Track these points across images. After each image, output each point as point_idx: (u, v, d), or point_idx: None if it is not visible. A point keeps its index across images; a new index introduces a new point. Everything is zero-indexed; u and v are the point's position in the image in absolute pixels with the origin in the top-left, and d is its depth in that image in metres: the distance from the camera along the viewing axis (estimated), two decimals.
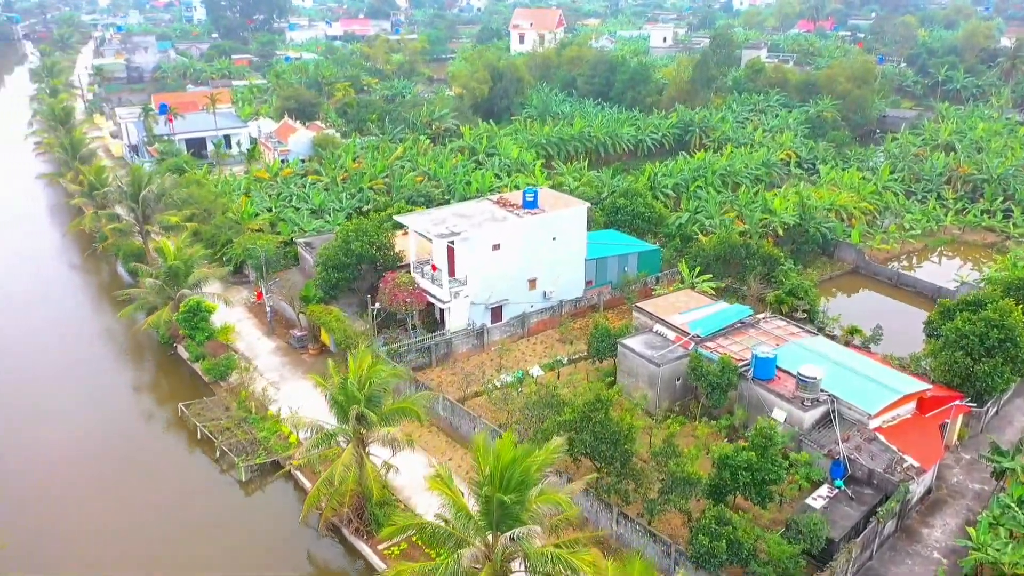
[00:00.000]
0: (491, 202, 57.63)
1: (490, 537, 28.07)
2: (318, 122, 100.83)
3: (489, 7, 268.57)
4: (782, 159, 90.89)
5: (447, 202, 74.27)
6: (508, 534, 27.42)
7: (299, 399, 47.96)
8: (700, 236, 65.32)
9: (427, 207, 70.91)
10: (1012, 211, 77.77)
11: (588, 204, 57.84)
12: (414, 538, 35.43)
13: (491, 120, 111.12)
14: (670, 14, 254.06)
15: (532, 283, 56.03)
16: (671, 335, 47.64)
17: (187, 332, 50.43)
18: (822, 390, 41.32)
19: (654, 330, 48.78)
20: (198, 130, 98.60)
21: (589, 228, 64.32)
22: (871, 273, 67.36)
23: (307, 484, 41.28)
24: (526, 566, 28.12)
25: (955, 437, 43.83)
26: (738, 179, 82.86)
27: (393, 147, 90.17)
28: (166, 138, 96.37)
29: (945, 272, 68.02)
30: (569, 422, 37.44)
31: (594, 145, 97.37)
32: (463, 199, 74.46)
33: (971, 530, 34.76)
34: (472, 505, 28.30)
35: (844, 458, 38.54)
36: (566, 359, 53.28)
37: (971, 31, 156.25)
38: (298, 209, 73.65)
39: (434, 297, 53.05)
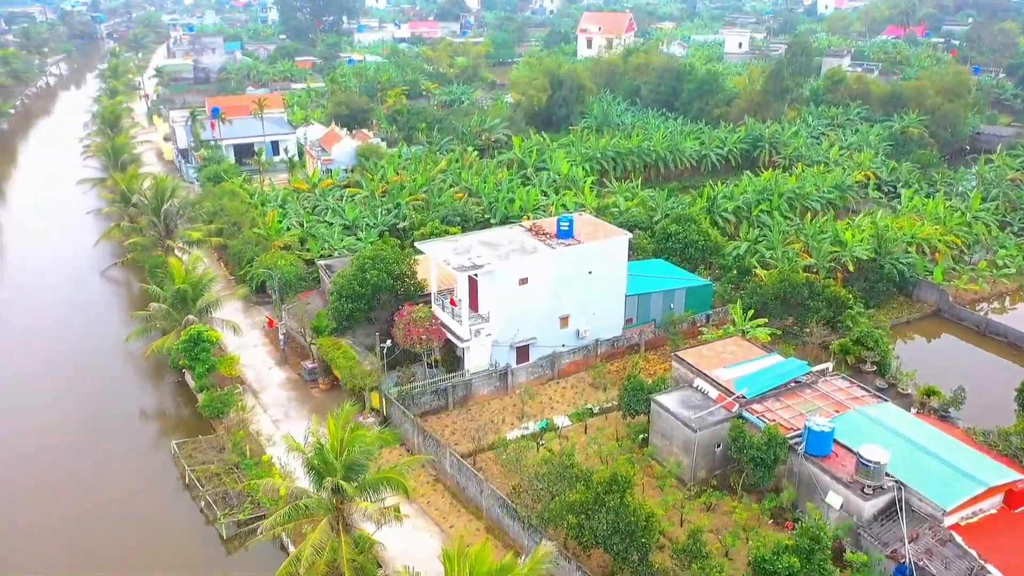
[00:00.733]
0: (523, 229, 52.58)
1: None
2: (365, 130, 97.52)
3: (561, 9, 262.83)
4: (859, 180, 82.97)
5: (486, 221, 69.64)
6: None
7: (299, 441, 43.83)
8: (759, 270, 58.82)
9: (463, 227, 66.47)
10: None
11: (629, 235, 52.19)
12: None
13: (548, 130, 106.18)
14: (749, 18, 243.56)
15: (564, 321, 50.75)
16: (713, 393, 41.72)
17: (186, 363, 47.03)
18: (888, 474, 34.92)
19: (695, 385, 42.92)
20: (245, 136, 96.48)
21: (636, 256, 58.93)
22: (955, 318, 59.61)
23: (292, 548, 37.13)
24: None
25: None
26: (808, 203, 75.58)
27: (439, 158, 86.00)
28: (212, 143, 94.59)
29: None
30: (580, 504, 32.21)
31: (653, 160, 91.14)
32: (504, 219, 69.82)
33: None
34: None
35: (910, 562, 32.12)
36: (597, 408, 47.89)
37: None
38: (331, 224, 70.06)
39: (453, 334, 48.32)
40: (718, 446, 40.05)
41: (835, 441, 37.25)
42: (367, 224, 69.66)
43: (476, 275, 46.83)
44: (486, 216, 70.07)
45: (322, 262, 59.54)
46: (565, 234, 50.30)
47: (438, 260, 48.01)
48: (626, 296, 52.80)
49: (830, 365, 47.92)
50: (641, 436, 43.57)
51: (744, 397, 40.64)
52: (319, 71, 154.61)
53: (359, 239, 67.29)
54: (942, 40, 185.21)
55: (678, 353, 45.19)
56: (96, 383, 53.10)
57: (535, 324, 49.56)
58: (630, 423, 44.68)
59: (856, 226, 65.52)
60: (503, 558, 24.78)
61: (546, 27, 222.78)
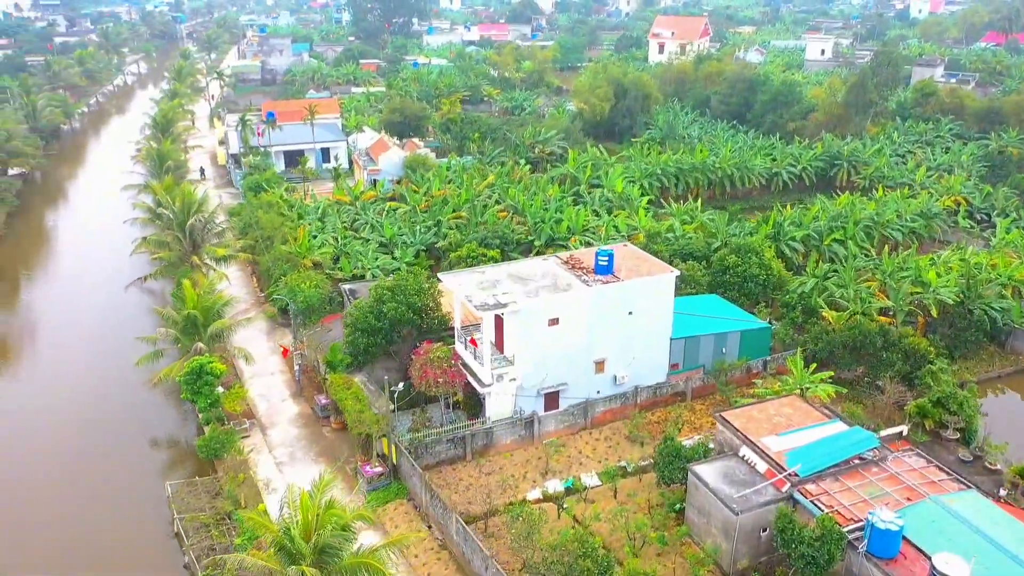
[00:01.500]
0: (559, 261, 47.69)
1: None
2: (416, 139, 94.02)
3: (636, 12, 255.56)
4: (947, 207, 74.91)
5: (530, 244, 64.97)
6: None
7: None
8: (826, 312, 52.44)
9: (502, 251, 62.01)
10: None
11: (677, 273, 46.69)
12: None
13: (609, 141, 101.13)
14: (835, 22, 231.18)
15: (599, 365, 45.69)
16: (762, 466, 36.11)
17: (188, 397, 43.89)
18: None
19: (740, 454, 37.37)
20: (295, 142, 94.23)
21: (688, 289, 53.50)
22: None
23: None
24: None
25: None
26: (888, 232, 68.29)
27: (488, 172, 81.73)
28: (262, 149, 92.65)
29: None
30: None
31: (719, 177, 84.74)
32: (549, 241, 65.14)
33: None
34: None
35: None
36: (631, 466, 42.75)
37: None
38: (367, 241, 66.51)
39: (474, 377, 43.86)
40: (764, 530, 34.49)
41: (904, 539, 31.30)
42: (404, 242, 65.85)
43: (502, 314, 42.30)
44: (529, 238, 65.36)
45: (346, 286, 55.91)
46: (604, 269, 45.23)
47: (460, 296, 43.60)
48: (672, 339, 47.39)
49: (904, 429, 41.82)
50: (678, 505, 38.35)
51: (797, 475, 34.91)
52: (382, 74, 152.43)
53: (394, 258, 63.57)
54: None
55: (723, 414, 39.62)
56: (111, 405, 50.81)
57: (566, 368, 44.67)
58: (665, 491, 39.39)
59: (942, 264, 58.25)
60: None
61: (619, 31, 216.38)
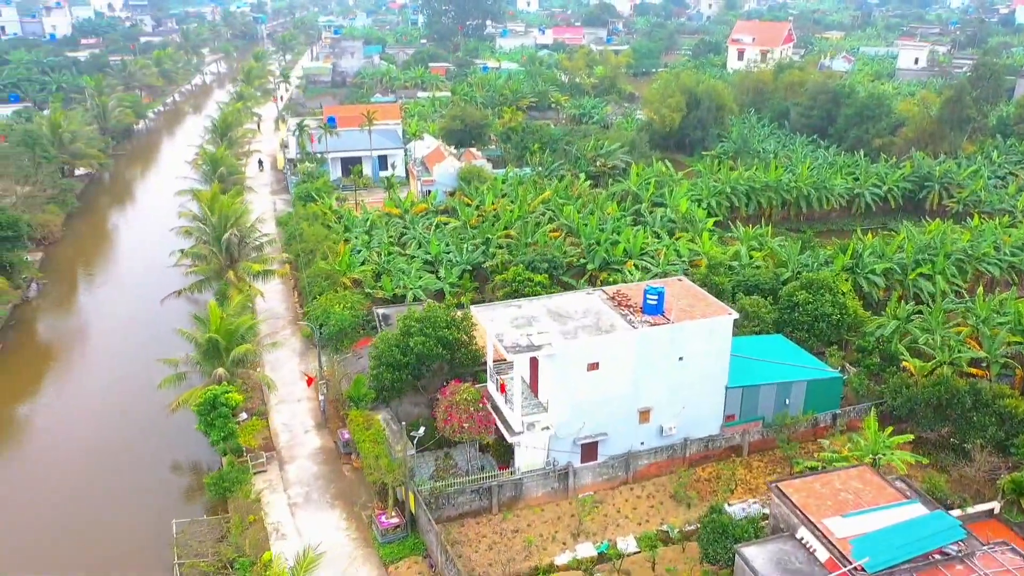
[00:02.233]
0: (605, 297, 43.40)
1: None
2: (474, 149, 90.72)
3: (718, 16, 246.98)
4: None
5: (582, 267, 60.78)
6: None
7: (311, 537, 36.99)
8: (908, 361, 46.58)
9: (551, 276, 57.97)
10: None
11: (735, 315, 41.80)
12: None
13: (680, 154, 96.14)
14: (931, 28, 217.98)
15: (644, 414, 41.24)
16: (822, 554, 31.12)
17: (202, 428, 41.39)
18: None
19: (798, 536, 32.44)
20: (352, 148, 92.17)
21: (750, 326, 48.55)
22: None
23: None
24: None
25: None
26: (983, 267, 61.37)
27: (545, 186, 77.74)
28: (318, 155, 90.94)
29: None
30: None
31: (794, 197, 78.68)
32: (603, 265, 60.78)
33: None
34: None
35: None
36: (674, 531, 38.23)
37: None
38: (412, 259, 63.43)
39: (504, 422, 40.04)
40: None
41: None
42: (450, 261, 62.50)
43: (536, 356, 38.37)
44: (582, 261, 61.14)
45: (380, 310, 52.89)
46: (653, 309, 40.75)
47: (491, 335, 39.80)
48: (728, 388, 42.54)
49: (996, 506, 36.40)
50: None
51: (864, 570, 29.82)
52: (451, 78, 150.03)
53: (439, 278, 60.33)
54: None
55: (781, 485, 34.66)
56: (136, 425, 49.09)
57: (607, 417, 40.40)
58: (710, 571, 34.76)
59: None
60: None
61: (699, 35, 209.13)
